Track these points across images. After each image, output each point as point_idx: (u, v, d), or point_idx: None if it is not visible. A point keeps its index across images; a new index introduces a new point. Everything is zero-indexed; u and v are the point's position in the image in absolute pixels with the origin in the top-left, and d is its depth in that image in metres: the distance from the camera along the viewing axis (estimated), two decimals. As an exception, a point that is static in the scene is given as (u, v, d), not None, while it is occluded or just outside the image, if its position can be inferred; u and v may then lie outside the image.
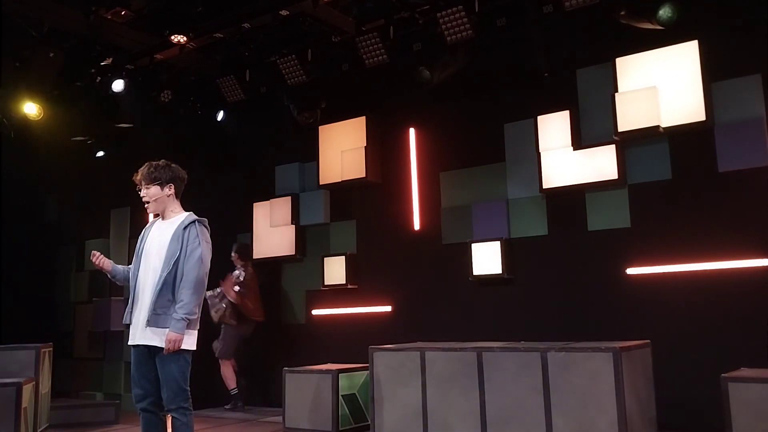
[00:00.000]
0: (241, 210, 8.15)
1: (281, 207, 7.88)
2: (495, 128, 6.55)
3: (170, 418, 3.76)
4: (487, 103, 6.68)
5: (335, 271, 7.33)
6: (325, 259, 7.43)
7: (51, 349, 6.59)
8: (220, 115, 7.89)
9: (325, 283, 7.39)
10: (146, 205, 3.98)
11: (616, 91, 5.85)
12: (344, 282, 7.26)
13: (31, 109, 7.57)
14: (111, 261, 4.03)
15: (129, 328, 3.87)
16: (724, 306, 5.30)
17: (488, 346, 5.09)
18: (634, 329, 5.39)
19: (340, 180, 7.39)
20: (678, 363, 5.35)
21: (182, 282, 3.73)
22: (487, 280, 6.41)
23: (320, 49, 6.97)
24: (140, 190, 3.97)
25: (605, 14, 5.61)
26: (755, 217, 5.26)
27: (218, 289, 7.19)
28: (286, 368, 6.25)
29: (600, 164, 5.93)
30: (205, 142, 8.12)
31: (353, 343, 6.67)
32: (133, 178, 3.98)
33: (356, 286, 7.30)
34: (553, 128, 6.22)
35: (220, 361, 7.34)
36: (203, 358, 7.33)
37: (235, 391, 7.36)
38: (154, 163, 3.98)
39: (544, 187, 6.18)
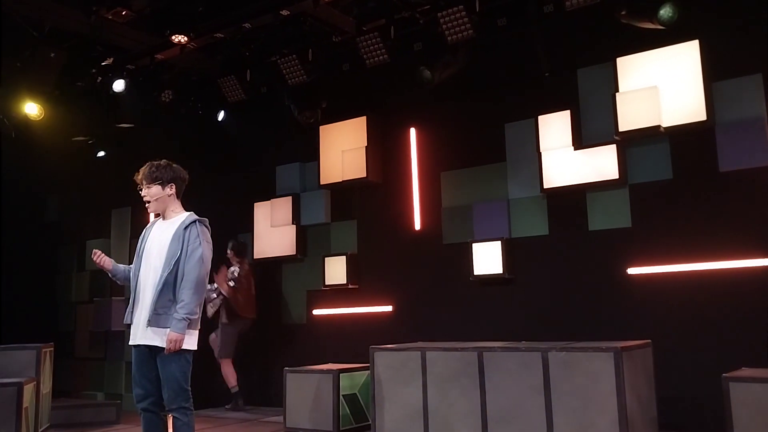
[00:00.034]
0: (242, 210, 8.15)
1: (282, 207, 7.89)
2: (496, 128, 6.55)
3: (171, 418, 3.76)
4: (487, 103, 6.68)
5: (336, 271, 7.33)
6: (326, 259, 7.43)
7: (52, 349, 6.59)
8: (221, 115, 7.90)
9: (326, 283, 7.39)
10: (147, 205, 3.98)
11: (617, 91, 5.85)
12: (345, 282, 7.26)
13: (32, 109, 7.58)
14: (112, 260, 4.03)
15: (130, 328, 3.87)
16: (725, 306, 5.30)
17: (489, 346, 5.08)
18: (635, 329, 5.39)
19: (340, 180, 7.40)
20: (679, 363, 5.35)
21: (183, 282, 3.73)
22: (488, 280, 6.41)
23: (321, 49, 6.97)
24: (141, 190, 3.97)
25: (606, 14, 5.62)
26: (756, 217, 5.26)
27: (214, 284, 7.20)
28: (287, 368, 6.25)
29: (601, 164, 5.93)
30: (205, 142, 8.12)
31: (354, 343, 6.68)
32: (135, 177, 3.98)
33: (357, 286, 7.30)
34: (554, 128, 6.22)
35: (219, 360, 7.34)
36: (204, 358, 7.37)
37: (236, 389, 7.36)
38: (156, 162, 3.98)
39: (544, 187, 6.18)
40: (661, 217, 5.69)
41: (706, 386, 5.02)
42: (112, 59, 7.24)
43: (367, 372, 5.72)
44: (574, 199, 6.10)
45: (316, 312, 7.57)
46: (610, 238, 5.89)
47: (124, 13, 6.30)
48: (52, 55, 6.81)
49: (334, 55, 7.12)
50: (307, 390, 6.03)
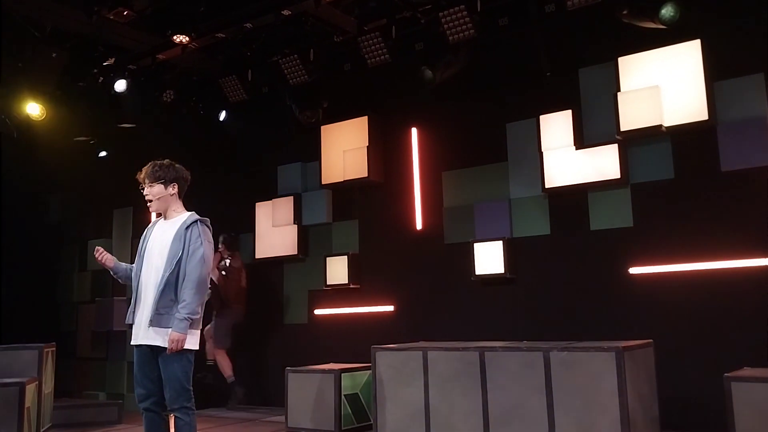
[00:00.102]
0: (243, 210, 8.16)
1: (283, 207, 7.89)
2: (497, 128, 6.55)
3: (173, 417, 3.76)
4: (489, 103, 6.68)
5: (337, 270, 7.34)
6: (328, 258, 7.43)
7: (54, 348, 6.60)
8: (222, 115, 7.90)
9: (328, 282, 7.39)
10: (149, 204, 3.98)
11: (619, 91, 5.85)
12: (346, 282, 7.27)
13: (33, 109, 7.58)
14: (114, 257, 4.02)
15: (131, 327, 3.87)
16: (726, 305, 5.29)
17: (491, 345, 5.08)
18: (637, 329, 5.39)
19: (342, 180, 7.40)
20: (680, 362, 5.35)
21: (185, 282, 3.73)
22: (490, 279, 6.41)
23: (322, 49, 6.97)
24: (143, 189, 3.97)
25: (607, 13, 5.61)
26: (758, 217, 5.25)
27: None
28: (289, 368, 6.26)
29: (602, 164, 5.92)
30: (207, 142, 8.12)
31: (356, 342, 6.68)
32: (137, 176, 3.98)
33: (358, 286, 7.30)
34: (556, 128, 6.21)
35: (214, 351, 7.37)
36: (205, 358, 7.39)
37: (232, 379, 7.36)
38: (159, 162, 3.98)
39: (546, 186, 6.18)
40: (662, 217, 5.69)
41: (707, 386, 5.02)
42: (113, 59, 7.24)
43: (369, 372, 5.72)
44: (575, 198, 6.09)
45: (317, 312, 7.57)
46: (611, 238, 5.89)
47: (125, 13, 6.29)
48: (54, 55, 6.81)
49: (336, 54, 7.12)
50: (308, 390, 6.04)
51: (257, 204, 8.12)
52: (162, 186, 3.92)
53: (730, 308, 5.28)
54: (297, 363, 6.49)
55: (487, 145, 6.62)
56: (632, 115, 5.73)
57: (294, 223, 7.79)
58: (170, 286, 3.73)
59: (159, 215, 4.06)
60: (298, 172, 7.91)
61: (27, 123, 7.76)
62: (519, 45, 6.31)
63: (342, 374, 5.93)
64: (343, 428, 5.86)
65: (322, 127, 7.61)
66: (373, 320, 7.09)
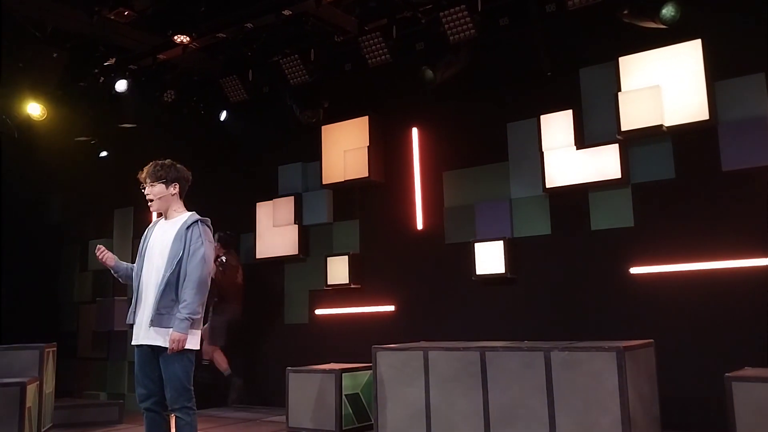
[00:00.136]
0: (244, 210, 8.16)
1: (284, 207, 7.89)
2: (498, 128, 6.55)
3: (174, 417, 3.76)
4: (489, 103, 6.68)
5: (338, 270, 7.34)
6: (328, 258, 7.43)
7: (55, 348, 6.61)
8: (223, 115, 7.90)
9: (328, 282, 7.39)
10: (149, 204, 3.98)
11: (620, 90, 5.85)
12: (347, 282, 7.26)
13: (34, 109, 7.59)
14: (115, 256, 4.02)
15: (132, 327, 3.88)
16: (727, 305, 5.29)
17: (491, 345, 5.08)
18: (638, 328, 5.38)
19: (343, 180, 7.40)
20: (682, 362, 5.34)
21: (185, 282, 3.73)
22: (490, 279, 6.41)
23: (323, 49, 6.97)
24: (144, 188, 3.97)
25: (608, 13, 5.61)
26: (759, 216, 5.25)
27: None
28: (290, 368, 6.26)
29: (603, 163, 5.92)
30: (208, 142, 8.13)
31: (356, 342, 6.67)
32: (138, 175, 3.99)
33: (359, 286, 7.30)
34: (556, 127, 6.21)
35: (210, 348, 7.39)
36: (201, 357, 7.39)
37: (229, 372, 7.36)
38: (160, 162, 3.99)
39: (547, 186, 6.18)
40: (663, 217, 5.68)
41: (708, 386, 5.02)
42: (114, 59, 7.24)
43: (370, 372, 5.72)
44: (576, 198, 6.09)
45: (318, 312, 7.57)
46: (612, 238, 5.89)
47: (126, 13, 6.30)
48: (55, 55, 6.82)
49: (336, 54, 7.12)
50: (309, 390, 6.04)
51: (258, 204, 8.12)
52: (163, 186, 3.93)
53: (731, 308, 5.27)
54: (298, 363, 6.48)
55: (488, 145, 6.62)
56: (633, 115, 5.72)
57: (295, 223, 7.79)
58: (171, 286, 3.74)
59: (160, 215, 4.07)
60: (299, 172, 7.92)
61: (28, 123, 7.77)
62: (520, 45, 6.31)
63: (343, 374, 5.93)
64: (343, 428, 5.86)
65: (323, 127, 7.61)
66: (373, 320, 7.09)
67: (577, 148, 6.08)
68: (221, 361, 7.37)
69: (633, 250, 5.75)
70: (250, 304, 7.98)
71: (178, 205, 4.00)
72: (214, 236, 4.03)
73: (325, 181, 7.58)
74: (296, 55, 6.94)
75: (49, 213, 9.96)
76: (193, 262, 3.75)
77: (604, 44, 5.99)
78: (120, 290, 8.50)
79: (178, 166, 4.03)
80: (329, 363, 6.55)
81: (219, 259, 7.39)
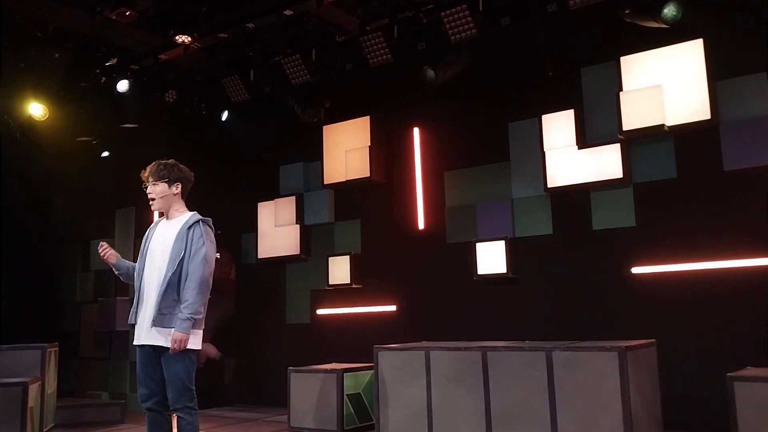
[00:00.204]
0: (246, 210, 8.16)
1: (286, 207, 7.90)
2: (499, 127, 6.55)
3: (176, 417, 3.76)
4: (491, 102, 6.67)
5: (340, 270, 7.34)
6: (330, 258, 7.43)
7: (57, 348, 6.61)
8: (225, 115, 7.90)
9: (330, 282, 7.40)
10: (151, 203, 3.99)
11: (621, 90, 5.84)
12: (349, 281, 7.27)
13: (36, 109, 7.60)
14: (117, 254, 4.03)
15: (134, 327, 3.88)
16: (729, 305, 5.29)
17: (493, 345, 5.08)
18: (640, 328, 5.38)
19: (344, 180, 7.40)
20: (683, 362, 5.34)
21: (187, 282, 3.73)
22: (492, 279, 6.40)
23: (324, 49, 6.98)
24: (146, 187, 3.98)
25: (610, 13, 5.60)
26: (761, 216, 5.24)
27: None
28: (291, 368, 6.26)
29: (605, 163, 5.92)
30: (209, 142, 8.13)
31: (358, 342, 6.67)
32: (141, 174, 3.99)
33: (361, 286, 7.30)
34: (558, 127, 6.21)
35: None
36: (214, 363, 7.39)
37: (220, 355, 7.32)
38: (163, 161, 4.00)
39: (548, 186, 6.17)
40: (665, 216, 5.68)
41: (710, 385, 5.01)
42: (116, 59, 7.25)
43: (371, 372, 5.72)
44: (578, 198, 6.09)
45: (320, 312, 7.57)
46: (614, 238, 5.88)
47: (128, 13, 6.30)
48: (57, 55, 6.83)
49: (338, 54, 7.12)
50: (311, 389, 6.04)
51: (260, 204, 8.12)
52: (165, 185, 3.93)
53: (733, 308, 5.27)
54: (299, 363, 6.49)
55: (490, 144, 6.62)
56: (634, 115, 5.72)
57: (296, 223, 7.79)
58: (173, 286, 3.74)
59: (161, 215, 4.07)
60: (301, 172, 7.92)
61: (30, 123, 7.78)
62: (521, 44, 6.31)
63: (344, 374, 5.94)
64: (345, 428, 5.86)
65: (324, 127, 7.61)
66: (375, 320, 7.09)
67: (579, 148, 6.08)
68: (210, 350, 7.33)
69: (634, 249, 5.75)
70: (252, 303, 8.00)
71: (180, 204, 4.00)
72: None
73: (326, 181, 7.58)
74: (298, 55, 6.94)
75: (51, 213, 9.98)
76: (194, 262, 3.76)
77: (605, 44, 5.98)
78: (122, 290, 8.51)
79: (181, 166, 4.03)
80: (331, 363, 6.55)
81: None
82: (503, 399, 4.84)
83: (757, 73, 5.34)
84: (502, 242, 6.34)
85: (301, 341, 7.58)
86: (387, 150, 7.34)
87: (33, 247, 9.42)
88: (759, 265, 5.20)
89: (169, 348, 3.67)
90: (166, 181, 3.93)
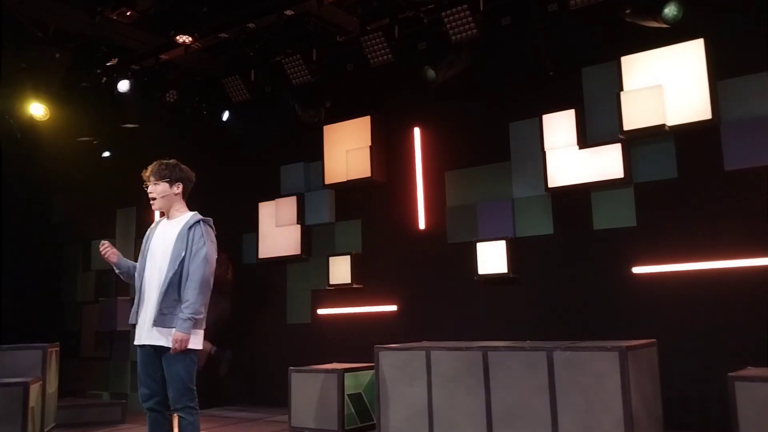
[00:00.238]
0: (247, 210, 8.16)
1: (286, 207, 7.90)
2: (500, 127, 6.55)
3: (176, 417, 3.77)
4: (492, 102, 6.67)
5: (340, 270, 7.34)
6: (331, 258, 7.43)
7: (58, 348, 6.62)
8: (226, 115, 7.90)
9: (331, 282, 7.40)
10: (152, 202, 3.99)
11: (622, 90, 5.84)
12: (349, 281, 7.27)
13: (37, 109, 7.60)
14: (118, 253, 4.03)
15: (135, 327, 3.88)
16: (730, 305, 5.28)
17: (494, 345, 5.08)
18: (640, 328, 5.38)
19: (345, 179, 7.40)
20: (684, 362, 5.34)
21: (188, 282, 3.73)
22: (493, 279, 6.40)
23: (325, 49, 6.98)
24: (147, 187, 3.98)
25: (610, 12, 5.60)
26: (762, 216, 5.24)
27: None
28: (292, 368, 6.26)
29: (605, 163, 5.91)
30: (210, 142, 8.13)
31: (359, 342, 6.67)
32: (143, 174, 3.99)
33: (361, 286, 7.30)
34: (559, 127, 6.21)
35: None
36: (208, 357, 7.39)
37: (215, 348, 7.32)
38: (165, 161, 4.00)
39: (549, 186, 6.17)
40: (666, 216, 5.68)
41: (711, 385, 5.02)
42: (116, 60, 7.26)
43: (372, 371, 5.72)
44: (578, 198, 6.09)
45: (320, 311, 7.57)
46: (614, 238, 5.88)
47: (128, 13, 6.30)
48: (57, 55, 6.83)
49: (338, 54, 7.13)
50: (312, 389, 6.04)
51: (260, 204, 8.12)
52: (167, 185, 3.93)
53: (734, 308, 5.27)
54: (300, 363, 6.49)
55: (490, 144, 6.62)
56: (635, 115, 5.72)
57: (297, 223, 7.79)
58: (173, 286, 3.74)
59: (162, 215, 4.07)
60: (301, 172, 7.92)
61: (30, 123, 7.78)
62: (522, 44, 6.31)
63: (345, 374, 5.94)
64: (346, 428, 5.86)
65: (325, 127, 7.61)
66: (376, 320, 7.09)
67: (580, 148, 6.07)
68: (205, 344, 7.33)
69: (635, 249, 5.75)
70: (253, 303, 8.01)
71: (181, 204, 4.00)
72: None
73: (327, 181, 7.58)
74: (298, 55, 6.94)
75: (52, 213, 9.98)
76: (195, 262, 3.76)
77: (606, 44, 5.98)
78: (123, 290, 8.51)
79: (183, 166, 4.04)
80: (331, 363, 6.55)
81: None
82: (504, 399, 4.84)
83: (758, 72, 5.34)
84: (503, 242, 6.34)
85: (302, 341, 7.58)
86: (388, 150, 7.34)
87: (34, 247, 9.42)
88: (760, 264, 5.20)
89: (170, 348, 3.67)
90: (167, 181, 3.93)
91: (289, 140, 8.03)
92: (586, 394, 4.51)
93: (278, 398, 7.20)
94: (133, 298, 3.96)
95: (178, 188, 3.96)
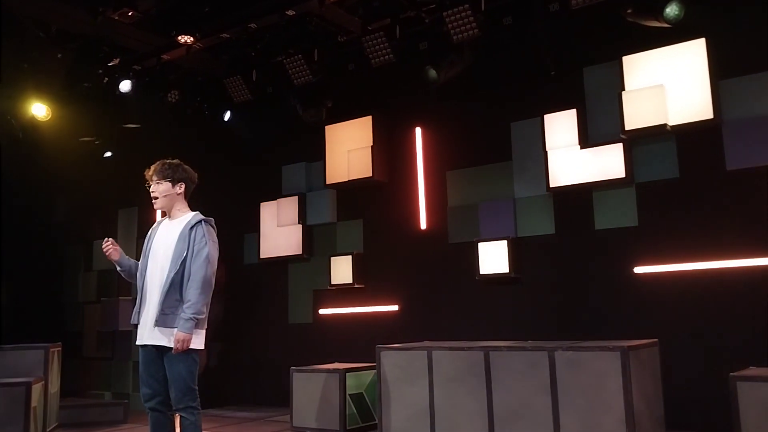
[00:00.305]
0: (248, 210, 8.17)
1: (288, 206, 7.90)
2: (501, 127, 6.55)
3: (178, 417, 3.77)
4: (493, 102, 6.67)
5: (342, 270, 7.34)
6: (332, 258, 7.44)
7: (60, 348, 6.63)
8: (227, 115, 7.91)
9: (332, 282, 7.40)
10: (154, 201, 3.99)
11: (623, 90, 5.84)
12: (351, 281, 7.27)
13: (39, 110, 7.61)
14: (121, 251, 4.03)
15: (137, 327, 3.88)
16: (731, 305, 5.28)
17: (495, 345, 5.08)
18: (642, 328, 5.38)
19: (346, 179, 7.40)
20: (686, 362, 5.34)
21: (190, 282, 3.74)
22: (494, 279, 6.40)
23: (326, 49, 6.97)
24: (149, 186, 3.99)
25: (612, 12, 5.59)
26: (763, 215, 5.24)
27: None
28: (294, 367, 6.27)
29: (607, 163, 5.91)
30: (212, 143, 8.13)
31: (360, 342, 6.68)
32: (145, 173, 4.00)
33: (363, 286, 7.31)
34: (560, 127, 6.21)
35: None
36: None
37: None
38: (168, 161, 4.01)
39: (550, 185, 6.17)
40: (667, 216, 5.67)
41: (713, 385, 5.01)
42: (118, 60, 7.26)
43: (374, 371, 5.73)
44: (580, 197, 6.09)
45: (322, 311, 7.58)
46: (616, 237, 5.88)
47: (130, 13, 6.30)
48: (59, 56, 6.84)
49: (340, 54, 7.12)
50: (313, 389, 6.04)
51: (262, 204, 8.13)
52: (169, 184, 3.94)
53: (736, 307, 5.27)
54: (302, 362, 6.49)
55: (492, 144, 6.62)
56: (637, 114, 5.72)
57: (298, 223, 7.80)
58: (175, 286, 3.74)
59: (164, 215, 4.08)
60: (303, 172, 7.92)
61: (32, 124, 7.79)
62: (523, 44, 6.31)
63: (347, 374, 5.94)
64: (347, 428, 5.86)
65: (327, 127, 7.62)
66: (377, 320, 7.09)
67: (581, 148, 6.07)
68: None
69: (637, 249, 5.75)
70: (254, 303, 8.01)
71: (183, 204, 4.01)
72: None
73: (328, 181, 7.59)
74: (300, 55, 6.94)
75: (54, 213, 9.98)
76: (197, 262, 3.76)
77: (607, 43, 5.98)
78: (124, 290, 8.52)
79: (186, 167, 4.05)
80: (333, 363, 6.56)
81: None
82: (505, 399, 4.84)
83: (760, 72, 5.33)
84: (505, 242, 6.34)
85: (304, 341, 7.59)
86: (389, 150, 7.34)
87: (36, 247, 9.43)
88: (762, 264, 5.20)
89: (171, 348, 3.67)
90: (169, 181, 3.94)
91: (290, 140, 8.04)
92: (588, 394, 4.51)
93: (280, 398, 7.20)
94: (135, 298, 3.96)
95: (180, 188, 3.97)
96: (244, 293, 8.07)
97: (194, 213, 3.98)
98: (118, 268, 4.07)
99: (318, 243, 7.75)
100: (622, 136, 5.83)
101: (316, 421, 5.97)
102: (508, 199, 6.47)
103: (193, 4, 6.45)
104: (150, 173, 3.98)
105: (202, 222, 3.89)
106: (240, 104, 7.74)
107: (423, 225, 6.99)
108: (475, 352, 5.04)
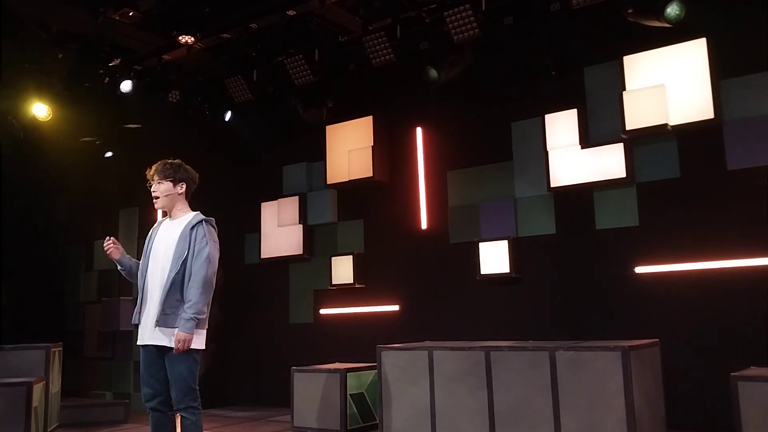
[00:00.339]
0: (249, 210, 8.17)
1: (289, 206, 7.90)
2: (502, 127, 6.55)
3: (179, 417, 3.77)
4: (494, 102, 6.67)
5: (343, 270, 7.34)
6: (333, 258, 7.44)
7: (61, 348, 6.63)
8: (228, 115, 7.91)
9: (333, 282, 7.40)
10: (155, 201, 3.99)
11: (624, 90, 5.84)
12: (352, 281, 7.27)
13: (40, 110, 7.61)
14: (122, 250, 4.03)
15: (138, 327, 3.89)
16: (733, 304, 5.28)
17: (496, 345, 5.08)
18: (643, 328, 5.38)
19: (347, 179, 7.40)
20: (687, 361, 5.34)
21: (191, 282, 3.74)
22: (495, 279, 6.40)
23: (327, 49, 6.97)
24: (151, 186, 3.99)
25: (613, 12, 5.59)
26: (764, 215, 5.24)
27: None
28: (295, 367, 6.27)
29: (608, 163, 5.91)
30: (212, 142, 8.14)
31: (361, 342, 6.68)
32: (146, 172, 4.00)
33: (364, 286, 7.31)
34: (561, 127, 6.21)
35: None
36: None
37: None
38: (169, 161, 4.02)
39: (551, 185, 6.17)
40: (668, 216, 5.67)
41: (714, 385, 5.01)
42: (119, 60, 7.26)
43: (375, 371, 5.73)
44: (581, 197, 6.09)
45: (323, 311, 7.58)
46: (617, 237, 5.88)
47: (131, 14, 6.30)
48: (60, 56, 6.83)
49: (341, 54, 7.12)
50: (314, 389, 6.05)
51: (263, 204, 8.13)
52: (170, 184, 3.94)
53: (737, 307, 5.26)
54: (303, 362, 6.50)
55: (492, 144, 6.61)
56: (638, 114, 5.71)
57: (299, 223, 7.80)
58: (176, 286, 3.74)
59: (165, 215, 4.08)
60: (304, 172, 7.93)
61: (33, 124, 7.79)
62: (524, 44, 6.31)
63: (348, 374, 5.94)
64: (348, 428, 5.86)
65: (327, 127, 7.62)
66: (378, 320, 7.09)
67: (582, 148, 6.07)
68: None
69: (638, 249, 5.74)
70: (255, 303, 8.01)
71: (183, 204, 4.01)
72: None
73: (329, 181, 7.59)
74: (300, 55, 6.94)
75: (55, 213, 9.99)
76: (198, 262, 3.76)
77: (608, 43, 5.98)
78: (125, 290, 8.52)
79: (187, 167, 4.05)
80: (334, 363, 6.56)
81: None
82: (506, 399, 4.84)
83: (761, 72, 5.33)
84: (505, 242, 6.34)
85: (305, 341, 7.59)
86: (390, 150, 7.34)
87: (37, 247, 9.44)
88: (763, 264, 5.19)
89: (172, 348, 3.68)
90: (171, 180, 3.95)
91: (291, 140, 8.04)
92: (589, 394, 4.51)
93: (281, 398, 7.20)
94: (136, 298, 3.96)
95: (181, 188, 3.97)
96: (245, 293, 8.07)
97: (195, 213, 3.98)
98: (119, 268, 4.07)
99: (319, 243, 7.75)
100: (623, 136, 5.83)
101: (316, 421, 5.98)
102: (509, 199, 6.47)
103: (193, 4, 6.45)
104: (151, 173, 3.98)
105: (203, 222, 3.89)
106: (241, 104, 7.74)
107: (424, 225, 6.99)
108: (476, 352, 5.04)
